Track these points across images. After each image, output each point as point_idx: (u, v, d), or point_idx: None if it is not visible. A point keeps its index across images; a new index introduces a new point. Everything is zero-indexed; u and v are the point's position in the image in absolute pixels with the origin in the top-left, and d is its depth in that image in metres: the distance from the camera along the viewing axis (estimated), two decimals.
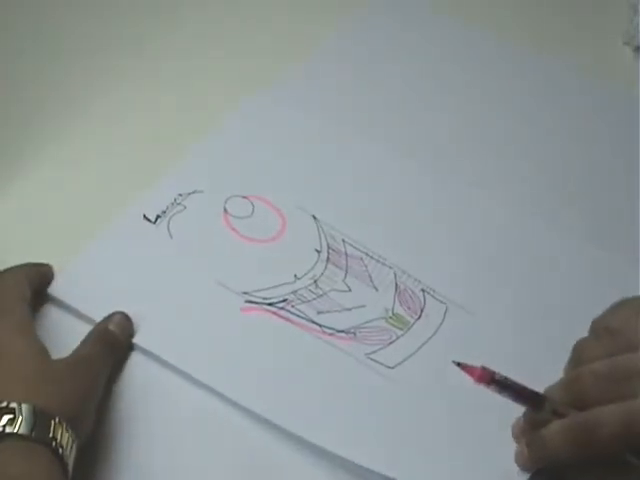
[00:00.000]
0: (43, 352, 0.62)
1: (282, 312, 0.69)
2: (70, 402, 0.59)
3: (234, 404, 0.64)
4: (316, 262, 0.72)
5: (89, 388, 0.62)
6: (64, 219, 0.75)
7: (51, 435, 0.57)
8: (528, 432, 0.61)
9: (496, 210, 0.77)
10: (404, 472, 0.61)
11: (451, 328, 0.69)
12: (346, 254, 0.73)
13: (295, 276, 0.71)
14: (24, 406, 0.57)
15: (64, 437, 0.57)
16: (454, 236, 0.75)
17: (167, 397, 0.65)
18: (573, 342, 0.63)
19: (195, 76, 0.86)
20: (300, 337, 0.68)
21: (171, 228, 0.73)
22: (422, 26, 0.93)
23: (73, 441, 0.58)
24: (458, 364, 0.59)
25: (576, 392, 0.60)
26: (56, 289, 0.69)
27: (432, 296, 0.71)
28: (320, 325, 0.68)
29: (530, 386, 0.60)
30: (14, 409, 0.57)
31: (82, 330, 0.66)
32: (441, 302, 0.70)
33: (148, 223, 0.73)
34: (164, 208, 0.74)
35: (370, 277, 0.71)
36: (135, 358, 0.66)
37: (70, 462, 0.58)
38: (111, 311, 0.67)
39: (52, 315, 0.68)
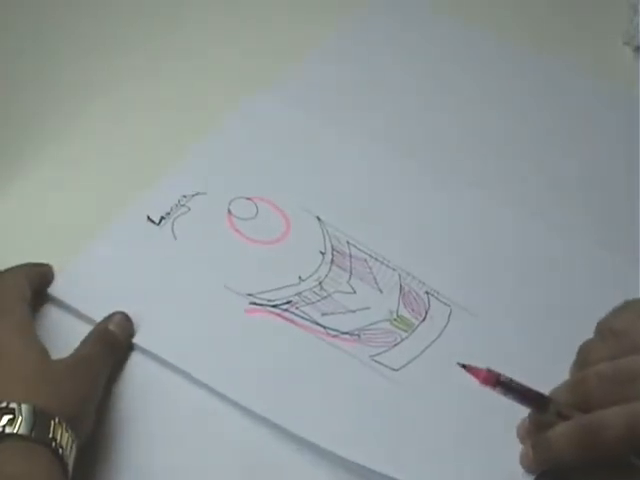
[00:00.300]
0: (43, 352, 0.62)
1: (286, 314, 0.69)
2: (70, 402, 0.59)
3: (234, 404, 0.64)
4: (320, 264, 0.72)
5: (89, 388, 0.62)
6: (64, 219, 0.75)
7: (51, 435, 0.57)
8: (533, 434, 0.61)
9: (496, 210, 0.77)
10: (410, 474, 0.61)
11: (455, 330, 0.69)
12: (350, 256, 0.72)
13: (299, 278, 0.71)
14: (24, 406, 0.57)
15: (64, 437, 0.57)
16: (455, 237, 0.75)
17: (167, 397, 0.65)
18: (576, 343, 0.63)
19: (195, 76, 0.86)
20: (304, 339, 0.68)
21: (175, 230, 0.73)
22: (422, 26, 0.93)
23: (73, 441, 0.58)
24: (463, 366, 0.59)
25: (581, 394, 0.60)
26: (56, 289, 0.69)
27: (436, 298, 0.71)
28: (324, 327, 0.68)
29: (534, 387, 0.60)
30: (14, 409, 0.57)
31: (82, 330, 0.66)
32: (445, 304, 0.70)
33: (152, 224, 0.73)
34: (168, 210, 0.74)
35: (375, 279, 0.71)
36: (135, 358, 0.66)
37: (70, 462, 0.58)
38: (111, 311, 0.67)
39: (52, 315, 0.68)
